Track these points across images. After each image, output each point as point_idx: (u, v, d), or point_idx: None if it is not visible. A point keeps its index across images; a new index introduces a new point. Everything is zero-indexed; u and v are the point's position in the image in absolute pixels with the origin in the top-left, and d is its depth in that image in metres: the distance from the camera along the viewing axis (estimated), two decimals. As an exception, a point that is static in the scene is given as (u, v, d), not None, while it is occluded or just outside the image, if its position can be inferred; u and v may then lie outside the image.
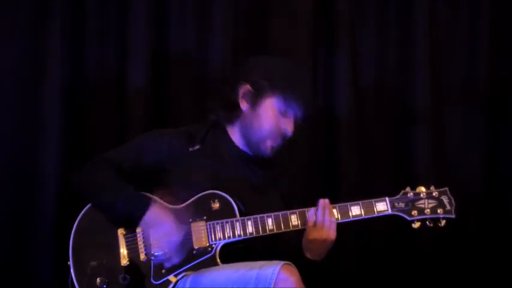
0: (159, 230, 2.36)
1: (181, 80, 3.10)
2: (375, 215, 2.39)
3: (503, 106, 3.20)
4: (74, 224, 2.44)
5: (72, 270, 2.40)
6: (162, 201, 2.41)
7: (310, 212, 2.38)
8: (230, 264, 2.33)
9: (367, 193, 3.06)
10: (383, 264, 3.15)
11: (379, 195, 3.07)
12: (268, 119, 2.48)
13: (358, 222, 2.96)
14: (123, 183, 2.42)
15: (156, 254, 2.38)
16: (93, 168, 2.49)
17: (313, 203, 2.40)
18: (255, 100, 2.48)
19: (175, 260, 2.37)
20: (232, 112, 2.53)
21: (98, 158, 2.51)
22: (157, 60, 3.07)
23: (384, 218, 3.02)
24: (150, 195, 2.41)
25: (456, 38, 3.23)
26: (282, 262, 2.21)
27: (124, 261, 2.38)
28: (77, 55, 3.03)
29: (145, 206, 2.37)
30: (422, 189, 2.39)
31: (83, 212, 2.45)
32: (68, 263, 2.41)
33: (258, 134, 2.49)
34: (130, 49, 3.04)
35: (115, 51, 3.07)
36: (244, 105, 2.51)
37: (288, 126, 2.48)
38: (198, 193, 2.43)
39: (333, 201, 2.43)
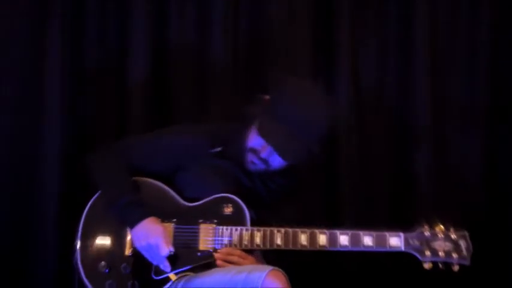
0: (144, 245, 2.35)
1: (182, 72, 3.09)
2: (386, 249, 2.28)
3: (503, 120, 3.18)
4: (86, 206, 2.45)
5: (78, 251, 2.40)
6: (156, 218, 2.38)
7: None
8: (220, 268, 2.33)
9: (367, 209, 3.13)
10: (382, 265, 3.13)
11: (379, 212, 3.12)
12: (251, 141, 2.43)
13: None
14: (129, 186, 2.41)
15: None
16: (106, 159, 2.47)
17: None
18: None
19: (179, 259, 2.36)
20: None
21: (114, 147, 2.50)
22: (157, 54, 3.06)
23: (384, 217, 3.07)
24: (147, 210, 2.39)
25: (456, 49, 3.20)
26: (270, 267, 2.20)
27: (128, 251, 2.39)
28: (76, 54, 3.02)
29: (136, 219, 2.37)
30: (441, 228, 2.28)
31: (95, 196, 2.46)
32: (75, 243, 2.42)
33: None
34: (130, 44, 3.04)
35: (115, 49, 3.06)
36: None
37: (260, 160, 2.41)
38: (213, 194, 2.41)
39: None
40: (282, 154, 2.37)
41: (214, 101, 3.08)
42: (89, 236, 2.41)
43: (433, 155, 3.15)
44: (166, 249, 2.32)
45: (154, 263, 2.36)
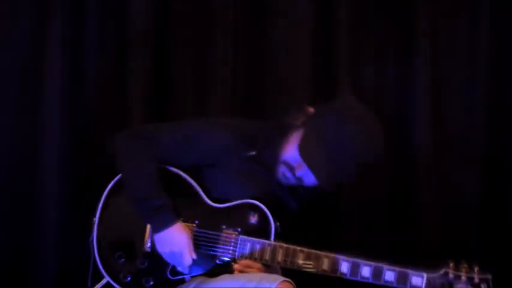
0: (167, 252, 2.31)
1: (182, 73, 3.10)
2: (406, 287, 2.23)
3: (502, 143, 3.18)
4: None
5: (95, 232, 2.37)
6: (181, 224, 2.32)
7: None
8: (232, 274, 2.30)
9: (367, 209, 3.12)
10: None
11: (379, 213, 3.12)
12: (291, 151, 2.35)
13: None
14: (159, 186, 2.33)
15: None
16: (137, 148, 2.36)
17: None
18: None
19: (197, 263, 2.32)
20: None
21: (147, 134, 2.39)
22: (157, 54, 3.06)
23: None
24: (174, 216, 2.32)
25: (456, 50, 3.20)
26: (282, 278, 2.18)
27: (147, 246, 2.35)
28: (76, 54, 3.02)
29: (163, 225, 2.30)
30: (466, 269, 2.21)
31: (117, 177, 2.39)
32: (94, 219, 2.38)
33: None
34: (130, 45, 3.04)
35: (115, 49, 3.06)
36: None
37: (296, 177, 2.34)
38: (241, 198, 2.34)
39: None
40: (320, 181, 2.28)
41: (214, 101, 3.09)
42: (107, 221, 2.37)
43: (433, 154, 3.15)
44: (190, 259, 2.29)
45: (173, 263, 2.33)
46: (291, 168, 2.33)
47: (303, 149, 2.28)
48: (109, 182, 2.41)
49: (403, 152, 3.15)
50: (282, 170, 2.36)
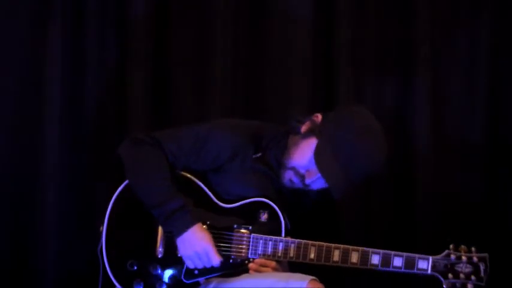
0: (190, 254, 2.29)
1: (182, 73, 3.10)
2: (414, 271, 2.30)
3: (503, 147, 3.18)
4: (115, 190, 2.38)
5: (104, 241, 2.33)
6: (201, 225, 2.31)
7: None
8: (256, 274, 2.30)
9: (367, 210, 3.12)
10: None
11: (379, 212, 3.13)
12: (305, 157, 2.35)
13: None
14: (175, 189, 2.32)
15: None
16: (148, 153, 2.34)
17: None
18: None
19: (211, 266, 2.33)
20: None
21: (154, 139, 2.36)
22: (157, 54, 3.06)
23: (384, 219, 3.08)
24: (194, 217, 2.30)
25: (456, 50, 3.19)
26: (310, 277, 2.19)
27: (159, 252, 2.33)
28: (76, 54, 3.02)
29: (184, 227, 2.28)
30: (465, 250, 2.32)
31: (124, 183, 2.36)
32: (101, 228, 2.34)
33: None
34: (130, 45, 3.04)
35: (115, 49, 3.06)
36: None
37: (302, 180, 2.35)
38: (251, 197, 2.35)
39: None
40: (334, 191, 2.30)
41: (214, 101, 3.08)
42: (116, 229, 2.34)
43: (433, 154, 3.15)
44: (218, 257, 2.29)
45: (195, 266, 2.32)
46: (300, 176, 2.34)
47: (319, 159, 2.29)
48: (113, 188, 2.38)
49: (403, 152, 3.15)
50: (288, 175, 2.37)
